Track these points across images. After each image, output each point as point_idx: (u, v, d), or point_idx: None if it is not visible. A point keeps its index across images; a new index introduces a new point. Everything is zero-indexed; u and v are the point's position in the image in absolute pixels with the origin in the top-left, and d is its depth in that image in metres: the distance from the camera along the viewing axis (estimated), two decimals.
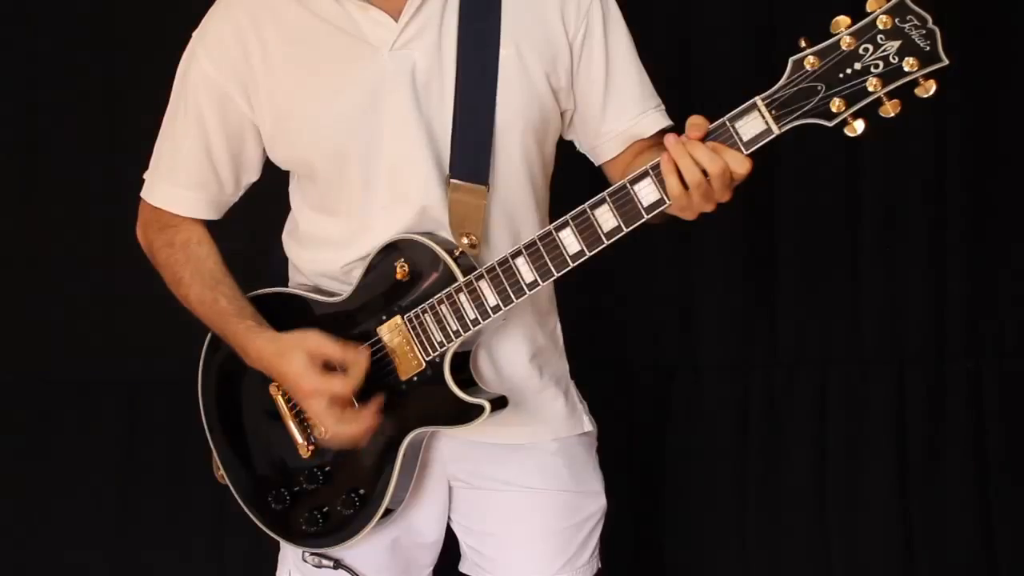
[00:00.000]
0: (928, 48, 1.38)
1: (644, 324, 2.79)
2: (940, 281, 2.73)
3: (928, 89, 1.40)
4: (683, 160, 1.48)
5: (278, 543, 1.86)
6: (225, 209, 1.82)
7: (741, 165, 1.48)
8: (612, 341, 2.76)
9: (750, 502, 2.78)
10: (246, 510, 1.82)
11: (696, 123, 1.48)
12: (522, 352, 1.76)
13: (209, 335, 1.81)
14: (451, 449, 1.78)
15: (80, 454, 2.78)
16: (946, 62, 1.38)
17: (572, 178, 1.82)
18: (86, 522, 2.79)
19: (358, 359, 1.63)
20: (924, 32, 1.39)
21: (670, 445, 2.79)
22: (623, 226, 1.54)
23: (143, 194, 1.82)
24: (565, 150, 1.83)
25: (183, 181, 1.77)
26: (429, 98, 1.65)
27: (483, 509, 1.82)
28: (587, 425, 1.85)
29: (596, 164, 1.82)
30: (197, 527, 2.77)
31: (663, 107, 1.78)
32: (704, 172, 1.47)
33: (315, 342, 1.64)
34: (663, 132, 1.72)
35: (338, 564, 1.78)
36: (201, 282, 1.75)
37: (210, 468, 1.87)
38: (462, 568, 1.90)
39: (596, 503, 1.86)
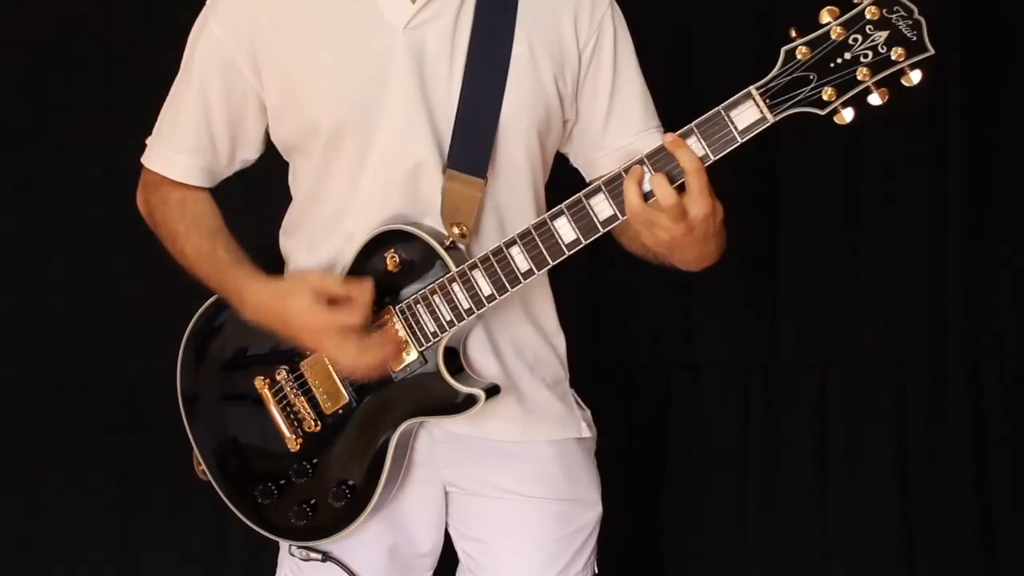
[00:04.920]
0: (915, 38, 1.41)
1: (644, 324, 2.79)
2: (940, 281, 2.73)
3: (913, 79, 1.42)
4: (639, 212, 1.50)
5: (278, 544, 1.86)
6: (218, 180, 1.80)
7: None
8: (612, 341, 2.76)
9: (750, 502, 2.77)
10: (230, 506, 1.80)
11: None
12: (508, 346, 1.74)
13: (187, 334, 1.80)
14: (446, 455, 1.76)
15: (80, 454, 2.78)
16: (932, 52, 1.41)
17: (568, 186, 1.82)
18: (86, 522, 2.79)
19: (363, 289, 1.62)
20: (911, 23, 1.41)
21: (670, 445, 2.79)
22: (619, 214, 1.54)
23: (143, 159, 1.81)
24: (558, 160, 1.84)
25: (180, 146, 1.76)
26: (435, 82, 1.65)
27: (478, 516, 1.81)
28: (585, 431, 1.83)
29: (588, 180, 1.81)
30: (197, 527, 2.77)
31: (662, 128, 1.78)
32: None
33: (317, 277, 1.64)
34: None
35: (327, 557, 1.76)
36: (199, 234, 1.73)
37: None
38: (459, 574, 1.88)
39: (592, 511, 1.85)
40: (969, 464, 2.74)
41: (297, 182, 1.78)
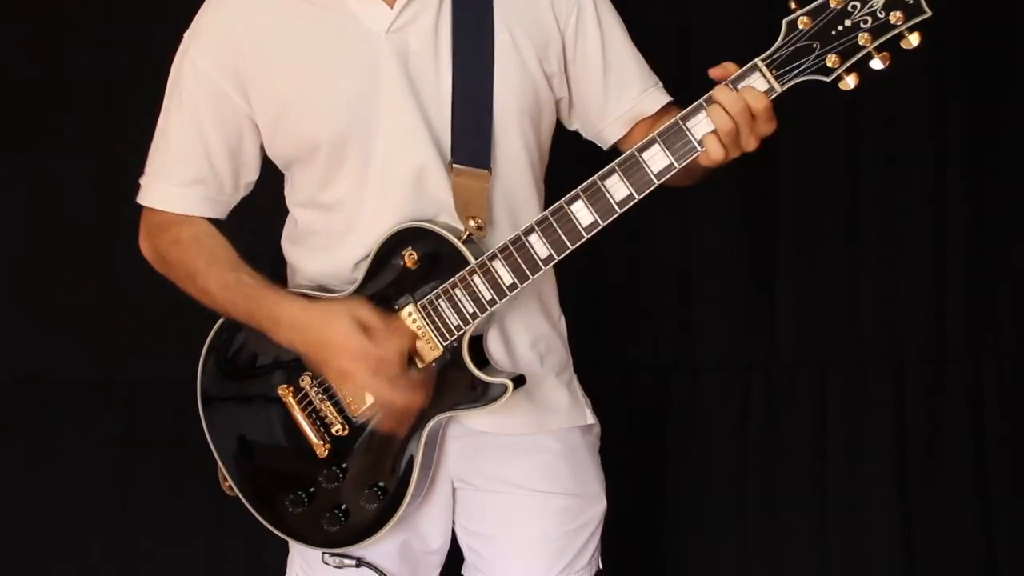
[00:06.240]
0: (911, 1, 1.44)
1: (644, 323, 2.79)
2: (940, 280, 2.73)
3: (912, 42, 1.46)
4: (734, 103, 1.51)
5: (283, 545, 1.85)
6: (227, 210, 1.80)
7: (759, 101, 1.52)
8: (612, 340, 2.76)
9: (750, 501, 2.77)
10: (260, 519, 1.78)
11: (730, 67, 1.54)
12: (523, 338, 1.75)
13: (206, 346, 1.79)
14: (456, 450, 1.77)
15: (80, 454, 2.78)
16: (929, 13, 1.44)
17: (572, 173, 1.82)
18: (86, 522, 2.79)
19: (402, 332, 1.63)
20: None
21: (670, 445, 2.79)
22: (635, 194, 1.56)
23: (140, 199, 1.79)
24: (561, 146, 1.84)
25: (179, 179, 1.74)
26: (423, 83, 1.66)
27: (484, 511, 1.82)
28: (590, 418, 1.85)
29: (605, 148, 1.83)
30: (197, 527, 2.77)
31: (661, 84, 1.81)
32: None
33: (363, 309, 1.63)
34: (665, 108, 1.78)
35: (361, 562, 1.75)
36: (220, 267, 1.71)
37: (211, 469, 1.84)
38: (464, 572, 1.89)
39: (597, 506, 1.86)
40: (969, 464, 2.74)
41: (300, 191, 1.77)
